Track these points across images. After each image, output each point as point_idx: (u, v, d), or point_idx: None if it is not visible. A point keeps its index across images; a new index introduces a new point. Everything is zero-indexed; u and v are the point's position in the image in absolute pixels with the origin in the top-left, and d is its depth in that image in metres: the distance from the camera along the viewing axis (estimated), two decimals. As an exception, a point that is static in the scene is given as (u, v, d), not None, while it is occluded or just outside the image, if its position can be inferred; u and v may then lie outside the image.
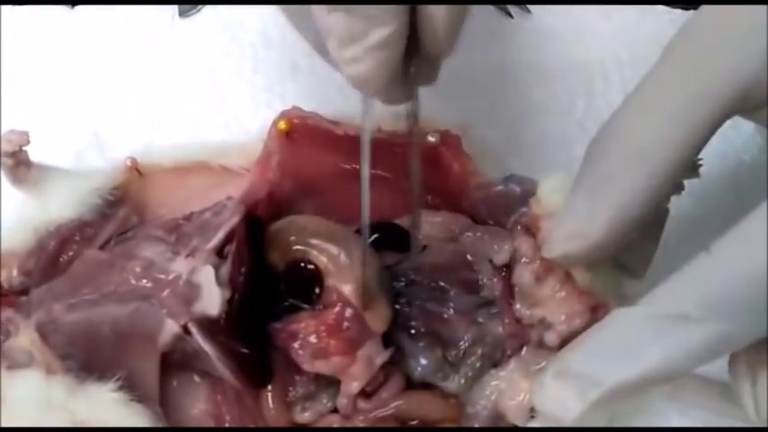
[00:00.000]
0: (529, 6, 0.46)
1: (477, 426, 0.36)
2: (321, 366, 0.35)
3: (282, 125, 0.39)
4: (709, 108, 0.29)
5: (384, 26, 0.28)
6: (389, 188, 0.40)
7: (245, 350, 0.35)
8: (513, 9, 0.46)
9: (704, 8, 0.30)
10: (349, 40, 0.29)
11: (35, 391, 0.34)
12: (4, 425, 0.34)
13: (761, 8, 0.29)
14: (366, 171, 0.33)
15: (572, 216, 0.32)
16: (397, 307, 0.36)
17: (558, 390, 0.32)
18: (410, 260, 0.38)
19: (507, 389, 0.36)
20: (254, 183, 0.39)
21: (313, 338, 0.35)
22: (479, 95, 0.44)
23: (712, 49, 0.29)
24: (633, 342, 0.30)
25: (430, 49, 0.31)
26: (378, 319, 0.35)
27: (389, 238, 0.39)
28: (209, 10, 0.46)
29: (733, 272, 0.28)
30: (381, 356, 0.35)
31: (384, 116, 0.40)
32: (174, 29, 0.45)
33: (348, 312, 0.35)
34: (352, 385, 0.35)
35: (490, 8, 0.46)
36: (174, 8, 0.45)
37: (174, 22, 0.45)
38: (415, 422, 0.36)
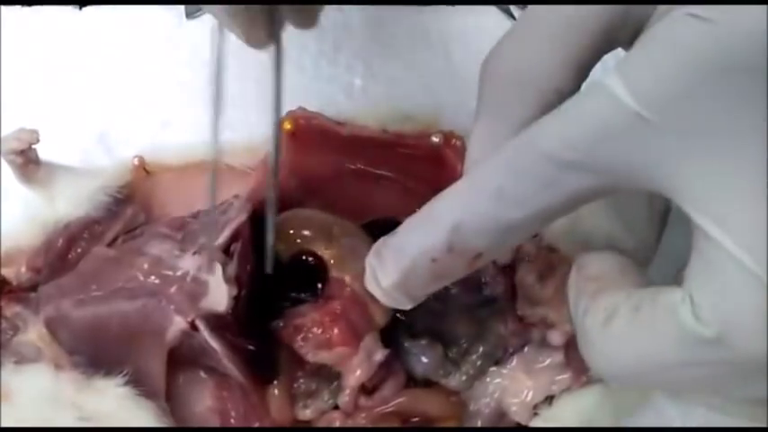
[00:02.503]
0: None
1: (479, 423, 0.37)
2: (324, 357, 0.35)
3: (288, 125, 0.40)
4: (581, 29, 0.30)
5: None
6: (393, 188, 0.41)
7: (252, 347, 0.36)
8: (515, 11, 0.46)
9: None
10: None
11: (43, 385, 0.35)
12: (13, 419, 0.34)
13: None
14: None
15: (477, 143, 0.32)
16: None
17: (376, 264, 0.32)
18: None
19: (510, 386, 0.36)
20: (260, 182, 0.40)
21: (317, 329, 0.35)
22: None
23: None
24: (437, 211, 0.31)
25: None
26: (380, 311, 0.35)
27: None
28: (215, 11, 0.46)
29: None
30: (380, 353, 0.35)
31: (389, 117, 0.40)
32: (181, 30, 0.46)
33: (352, 302, 0.35)
34: (353, 377, 0.35)
35: (492, 9, 0.46)
36: (181, 9, 0.46)
37: (182, 23, 0.46)
38: (416, 419, 0.37)
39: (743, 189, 0.26)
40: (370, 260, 0.32)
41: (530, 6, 0.32)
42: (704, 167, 0.26)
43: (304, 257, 0.36)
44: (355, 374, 0.35)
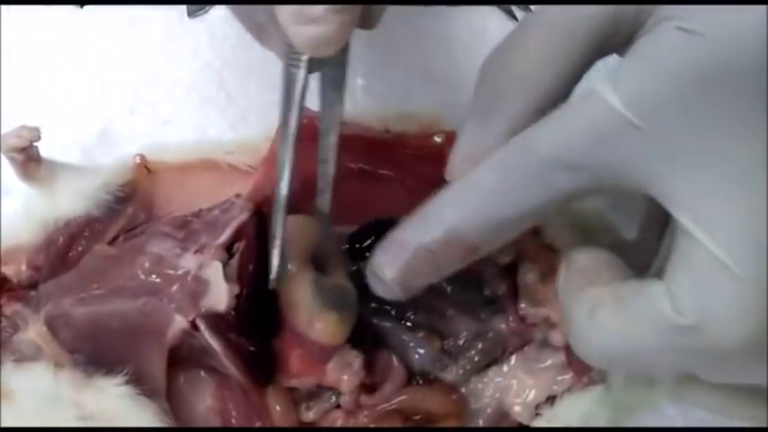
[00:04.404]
0: (532, 9, 0.46)
1: (480, 422, 0.37)
2: (297, 383, 0.36)
3: (290, 125, 0.40)
4: (575, 35, 0.31)
5: None
6: (395, 188, 0.40)
7: (252, 347, 0.36)
8: (516, 11, 0.46)
9: None
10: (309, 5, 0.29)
11: (43, 384, 0.34)
12: (13, 418, 0.34)
13: None
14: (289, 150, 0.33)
15: (466, 140, 0.34)
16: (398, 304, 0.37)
17: (378, 258, 0.34)
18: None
19: (512, 386, 0.36)
20: (261, 181, 0.40)
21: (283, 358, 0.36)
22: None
23: None
24: (436, 208, 0.32)
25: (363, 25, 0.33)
26: (326, 335, 0.35)
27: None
28: (217, 10, 0.46)
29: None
30: (356, 361, 0.35)
31: (392, 117, 0.40)
32: (183, 28, 0.46)
33: (296, 333, 0.35)
34: (344, 385, 0.35)
35: (495, 10, 0.46)
36: (183, 8, 0.46)
37: (183, 21, 0.46)
38: (418, 417, 0.37)
39: (725, 192, 0.28)
40: (377, 253, 0.34)
41: (528, 13, 0.33)
42: (689, 172, 0.28)
43: None
44: (345, 383, 0.35)
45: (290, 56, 0.32)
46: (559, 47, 0.32)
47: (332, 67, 0.33)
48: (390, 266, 0.33)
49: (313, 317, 0.35)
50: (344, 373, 0.35)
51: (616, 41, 0.32)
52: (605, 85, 0.29)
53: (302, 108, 0.32)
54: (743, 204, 0.28)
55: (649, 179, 0.29)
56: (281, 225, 0.34)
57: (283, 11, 0.29)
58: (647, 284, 0.30)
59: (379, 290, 0.34)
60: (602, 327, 0.30)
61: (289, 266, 0.35)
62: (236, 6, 0.34)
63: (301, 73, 0.32)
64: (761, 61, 0.28)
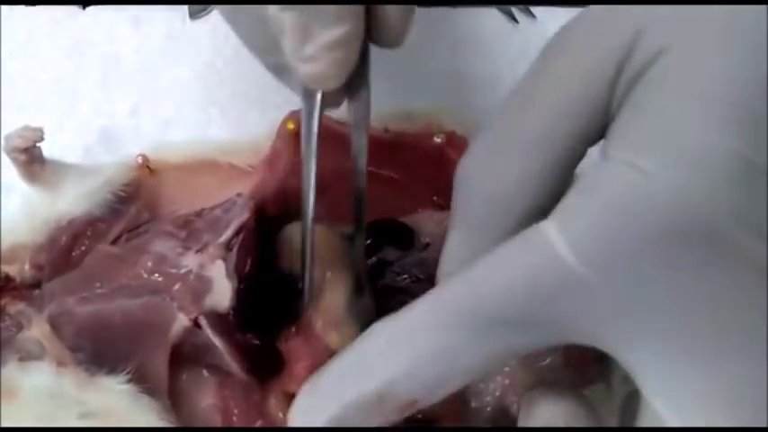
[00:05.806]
0: (533, 11, 0.46)
1: (480, 420, 0.37)
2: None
3: (291, 125, 0.40)
4: (558, 136, 0.28)
5: (340, 25, 0.28)
6: (396, 188, 0.41)
7: (256, 341, 0.36)
8: (517, 15, 0.47)
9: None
10: (304, 38, 0.28)
11: (46, 382, 0.35)
12: (15, 416, 0.34)
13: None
14: (311, 175, 0.33)
15: (453, 257, 0.32)
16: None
17: (305, 402, 0.31)
18: (413, 256, 0.38)
19: (511, 384, 0.36)
20: (263, 180, 0.40)
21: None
22: (486, 97, 0.44)
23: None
24: (371, 359, 0.29)
25: (383, 45, 0.31)
26: (341, 345, 0.33)
27: (392, 235, 0.39)
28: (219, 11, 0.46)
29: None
30: None
31: (391, 117, 0.41)
32: (185, 29, 0.46)
33: (309, 340, 0.34)
34: None
35: (496, 13, 0.46)
36: (185, 9, 0.46)
37: (185, 22, 0.46)
38: (419, 416, 0.37)
39: (694, 372, 0.24)
40: (298, 403, 0.31)
41: (500, 115, 0.30)
42: (650, 341, 0.25)
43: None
44: None
45: (305, 90, 0.31)
46: (545, 152, 0.28)
47: (354, 97, 0.32)
48: (312, 421, 0.30)
49: (337, 325, 0.34)
50: None
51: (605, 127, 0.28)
52: (552, 226, 0.25)
53: (319, 135, 0.32)
54: (717, 389, 0.24)
55: (610, 343, 0.26)
56: (309, 240, 0.33)
57: (286, 48, 0.29)
58: None
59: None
60: None
61: (327, 274, 0.35)
62: (259, 48, 0.33)
63: (316, 103, 0.31)
64: (714, 222, 0.23)
